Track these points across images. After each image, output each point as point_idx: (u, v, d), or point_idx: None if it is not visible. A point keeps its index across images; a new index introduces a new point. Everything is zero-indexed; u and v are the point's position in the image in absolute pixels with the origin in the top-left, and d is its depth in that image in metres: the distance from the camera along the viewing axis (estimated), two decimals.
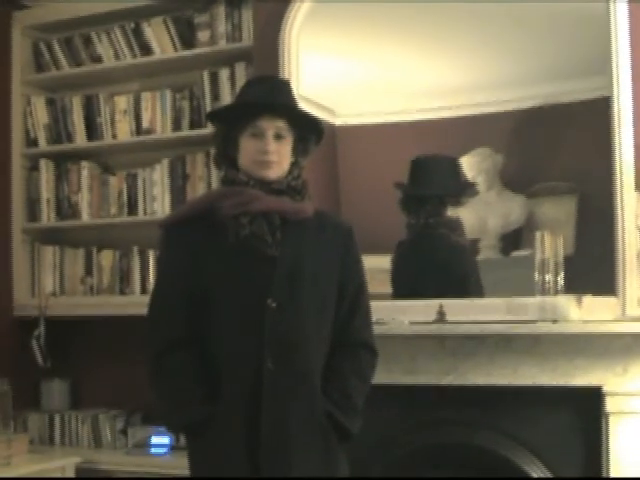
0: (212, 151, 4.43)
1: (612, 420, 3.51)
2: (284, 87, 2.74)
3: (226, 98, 4.52)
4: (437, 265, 3.98)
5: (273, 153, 2.61)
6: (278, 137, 2.62)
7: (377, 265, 3.66)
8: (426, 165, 4.00)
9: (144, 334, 2.71)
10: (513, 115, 4.04)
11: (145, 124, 4.77)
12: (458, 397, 3.74)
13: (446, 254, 4.01)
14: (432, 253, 3.99)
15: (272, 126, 2.61)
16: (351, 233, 2.76)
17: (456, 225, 3.98)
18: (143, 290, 4.71)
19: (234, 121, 2.65)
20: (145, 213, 4.76)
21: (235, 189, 2.61)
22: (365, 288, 2.77)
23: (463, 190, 4.00)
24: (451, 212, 4.00)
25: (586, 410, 3.60)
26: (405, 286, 3.95)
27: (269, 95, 2.65)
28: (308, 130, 2.71)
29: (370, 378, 2.73)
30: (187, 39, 4.69)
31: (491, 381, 3.69)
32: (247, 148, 2.63)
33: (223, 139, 2.69)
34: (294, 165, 2.69)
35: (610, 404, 3.51)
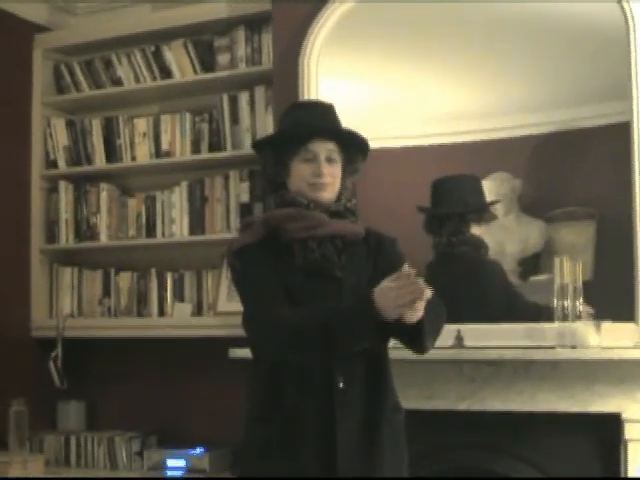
0: (232, 174, 4.54)
1: (631, 447, 3.49)
2: (330, 111, 2.77)
3: (245, 121, 4.54)
4: (464, 283, 3.97)
5: (327, 175, 2.64)
6: (329, 160, 2.66)
7: None
8: (446, 185, 4.00)
9: (252, 338, 2.68)
10: (532, 140, 4.04)
11: (164, 147, 4.78)
12: (475, 422, 3.72)
13: (471, 272, 4.00)
14: (458, 272, 3.99)
15: (324, 149, 2.64)
16: (394, 243, 2.78)
17: (480, 243, 3.98)
18: (161, 312, 4.73)
19: (284, 147, 2.67)
20: (163, 235, 4.77)
21: (300, 212, 2.64)
22: None
23: (484, 206, 4.00)
24: (474, 230, 4.00)
25: (605, 437, 3.58)
26: None
27: (319, 119, 2.69)
28: (355, 151, 2.74)
29: (444, 316, 2.65)
30: (207, 62, 4.72)
31: (509, 407, 3.67)
32: (300, 172, 2.65)
33: (273, 165, 2.71)
34: (344, 187, 2.72)
35: (629, 431, 3.49)
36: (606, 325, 3.50)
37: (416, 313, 2.40)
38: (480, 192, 4.00)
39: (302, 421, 2.55)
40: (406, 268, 2.39)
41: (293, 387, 2.57)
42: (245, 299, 2.66)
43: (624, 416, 3.50)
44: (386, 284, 2.39)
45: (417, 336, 2.49)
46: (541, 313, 3.76)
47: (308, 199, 2.65)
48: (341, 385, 2.55)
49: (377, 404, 2.63)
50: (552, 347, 3.54)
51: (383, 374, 2.68)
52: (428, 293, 2.38)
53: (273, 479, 2.58)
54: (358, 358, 2.58)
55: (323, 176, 2.64)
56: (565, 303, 3.57)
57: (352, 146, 2.73)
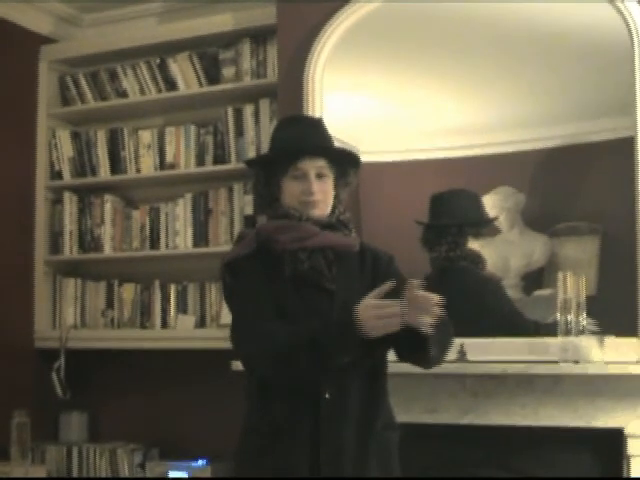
0: (236, 186, 4.55)
1: (634, 463, 3.48)
2: (319, 126, 2.77)
3: (250, 134, 4.55)
4: (462, 298, 3.96)
5: (317, 192, 2.64)
6: (320, 176, 2.65)
7: None
8: (444, 199, 4.00)
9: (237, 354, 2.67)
10: (536, 154, 4.04)
11: (169, 159, 4.80)
12: (478, 437, 3.72)
13: (468, 287, 4.00)
14: (456, 286, 3.98)
15: (313, 166, 2.64)
16: (391, 261, 2.76)
17: (478, 258, 3.98)
18: (164, 324, 4.73)
19: (275, 165, 2.67)
20: (167, 247, 4.77)
21: (291, 223, 2.63)
22: None
23: (482, 219, 4.00)
24: (472, 245, 4.00)
25: (607, 452, 3.57)
26: None
27: (307, 137, 2.69)
28: (347, 164, 2.73)
29: (450, 337, 2.63)
30: (212, 75, 4.73)
31: (511, 421, 3.66)
32: (291, 190, 2.65)
33: (265, 184, 2.72)
34: (337, 200, 2.72)
35: (632, 446, 3.48)
36: (609, 340, 3.50)
37: (426, 326, 2.38)
38: (478, 206, 4.00)
39: (290, 432, 2.55)
40: (414, 282, 2.37)
41: (281, 398, 2.56)
42: (233, 313, 2.66)
43: (627, 431, 3.49)
44: (368, 301, 2.39)
45: (422, 349, 2.45)
46: (540, 331, 3.77)
47: (301, 213, 2.65)
48: (327, 396, 2.53)
49: (368, 419, 2.60)
50: (555, 362, 3.54)
51: (377, 389, 2.66)
52: (437, 310, 2.36)
53: (273, 479, 2.57)
54: (350, 371, 2.56)
55: (313, 194, 2.64)
56: (568, 318, 3.57)
57: (343, 160, 2.73)
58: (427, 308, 2.36)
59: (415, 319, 2.37)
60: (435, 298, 2.36)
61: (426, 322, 2.37)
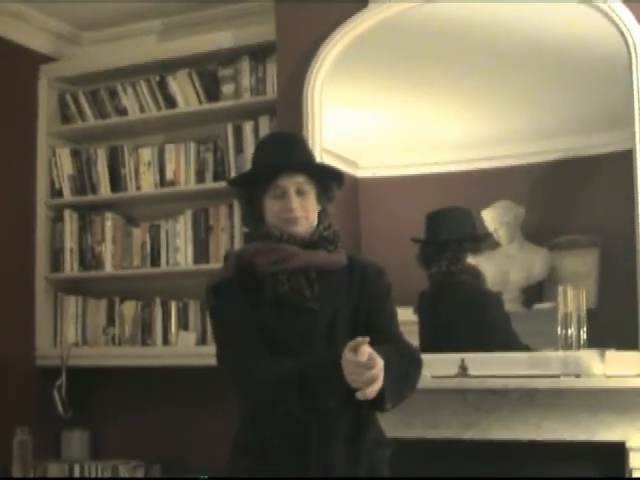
0: (235, 203, 4.55)
1: (635, 476, 3.48)
2: (298, 142, 2.76)
3: (249, 150, 4.54)
4: (464, 312, 3.97)
5: (297, 209, 2.62)
6: (300, 192, 2.63)
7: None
8: (440, 216, 4.01)
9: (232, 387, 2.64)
10: (535, 168, 4.05)
11: (169, 176, 4.80)
12: (480, 452, 3.71)
13: (472, 301, 4.01)
14: (457, 301, 3.99)
15: (293, 183, 2.62)
16: (379, 272, 2.72)
17: (478, 273, 3.99)
18: (165, 341, 4.73)
19: (255, 184, 2.66)
20: (168, 264, 4.78)
21: (271, 245, 2.62)
22: (395, 319, 2.71)
23: (480, 236, 4.01)
24: (471, 261, 4.01)
25: (609, 466, 3.57)
26: (431, 337, 3.92)
27: (285, 154, 2.66)
28: (328, 178, 2.71)
29: (415, 374, 2.60)
30: (212, 92, 4.74)
31: (514, 436, 3.66)
32: (272, 208, 2.64)
33: (247, 202, 2.72)
34: (322, 214, 2.70)
35: (634, 460, 3.49)
36: (610, 353, 3.50)
37: (371, 392, 2.34)
38: (473, 224, 4.02)
39: (280, 451, 2.54)
40: (365, 349, 2.31)
41: (271, 419, 2.56)
42: (220, 340, 2.65)
43: (628, 445, 3.50)
44: (346, 356, 2.33)
45: (376, 401, 2.42)
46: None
47: (283, 232, 2.63)
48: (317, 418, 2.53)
49: (356, 437, 2.60)
50: (556, 376, 3.54)
51: (364, 406, 2.57)
52: (378, 368, 2.31)
53: (269, 479, 2.56)
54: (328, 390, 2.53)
55: (293, 211, 2.62)
56: (569, 331, 3.57)
57: (323, 174, 2.71)
58: (361, 373, 2.31)
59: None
60: (369, 363, 2.30)
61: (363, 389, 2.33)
